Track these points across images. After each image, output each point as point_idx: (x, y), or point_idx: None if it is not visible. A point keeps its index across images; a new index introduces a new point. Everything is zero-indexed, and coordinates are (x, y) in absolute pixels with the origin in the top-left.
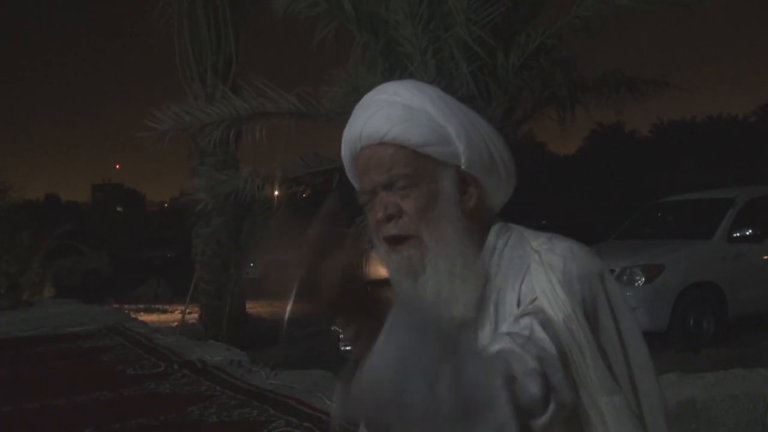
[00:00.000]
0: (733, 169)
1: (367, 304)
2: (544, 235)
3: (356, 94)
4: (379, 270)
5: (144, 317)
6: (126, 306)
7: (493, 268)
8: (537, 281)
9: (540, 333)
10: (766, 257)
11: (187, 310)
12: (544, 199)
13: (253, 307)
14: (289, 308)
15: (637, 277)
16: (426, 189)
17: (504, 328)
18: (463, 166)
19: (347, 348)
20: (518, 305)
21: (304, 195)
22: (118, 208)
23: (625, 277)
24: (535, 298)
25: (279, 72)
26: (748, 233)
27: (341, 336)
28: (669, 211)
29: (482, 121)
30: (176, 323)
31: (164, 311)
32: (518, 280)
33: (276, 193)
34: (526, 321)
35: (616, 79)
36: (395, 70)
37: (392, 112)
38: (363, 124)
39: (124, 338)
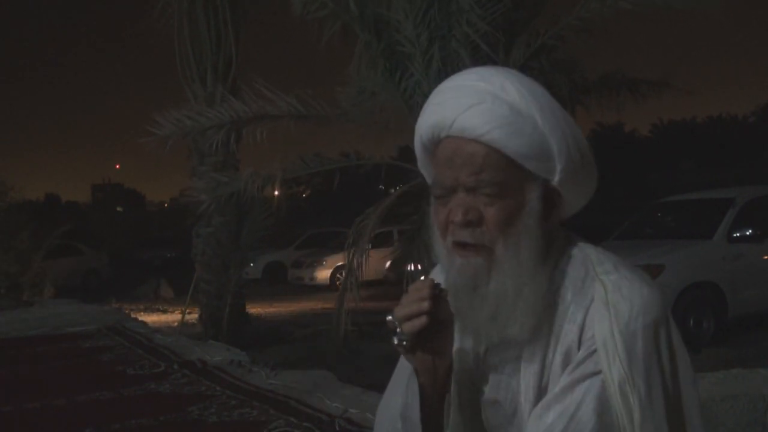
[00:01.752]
0: (733, 169)
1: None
2: (610, 260)
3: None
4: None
5: (144, 317)
6: (126, 306)
7: (553, 284)
8: (600, 323)
9: (586, 413)
10: (766, 257)
11: (187, 310)
12: None
13: (253, 307)
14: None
15: None
16: (512, 201)
17: (557, 389)
18: (554, 183)
19: (402, 341)
20: (579, 343)
21: (304, 195)
22: (118, 208)
23: None
24: (594, 350)
25: (278, 72)
26: (748, 233)
27: (398, 329)
28: (669, 211)
29: (578, 130)
30: (176, 323)
31: (164, 311)
32: (580, 310)
33: (276, 193)
34: (578, 392)
35: (617, 80)
36: (396, 70)
37: (496, 110)
38: (457, 114)
39: (124, 338)
